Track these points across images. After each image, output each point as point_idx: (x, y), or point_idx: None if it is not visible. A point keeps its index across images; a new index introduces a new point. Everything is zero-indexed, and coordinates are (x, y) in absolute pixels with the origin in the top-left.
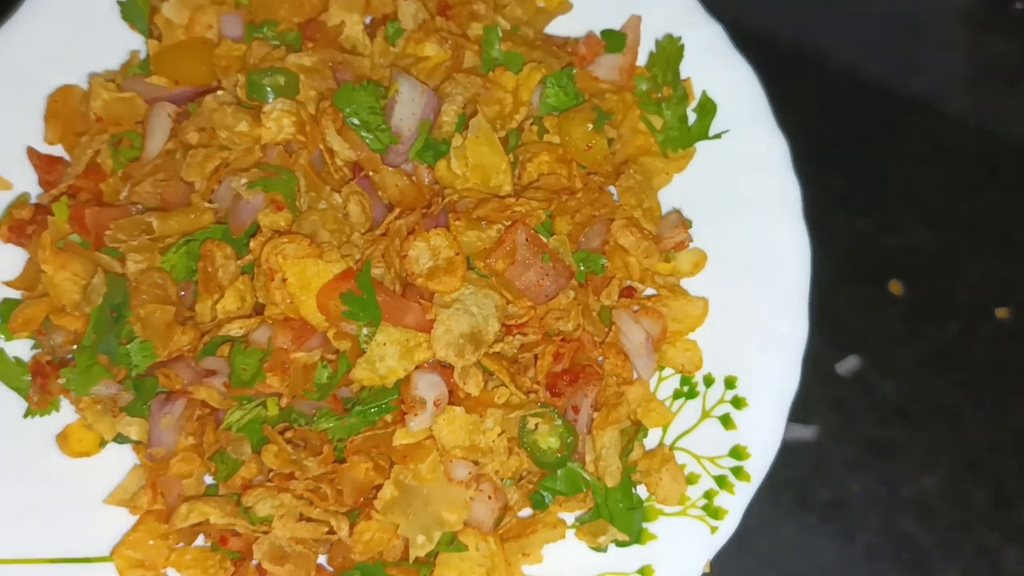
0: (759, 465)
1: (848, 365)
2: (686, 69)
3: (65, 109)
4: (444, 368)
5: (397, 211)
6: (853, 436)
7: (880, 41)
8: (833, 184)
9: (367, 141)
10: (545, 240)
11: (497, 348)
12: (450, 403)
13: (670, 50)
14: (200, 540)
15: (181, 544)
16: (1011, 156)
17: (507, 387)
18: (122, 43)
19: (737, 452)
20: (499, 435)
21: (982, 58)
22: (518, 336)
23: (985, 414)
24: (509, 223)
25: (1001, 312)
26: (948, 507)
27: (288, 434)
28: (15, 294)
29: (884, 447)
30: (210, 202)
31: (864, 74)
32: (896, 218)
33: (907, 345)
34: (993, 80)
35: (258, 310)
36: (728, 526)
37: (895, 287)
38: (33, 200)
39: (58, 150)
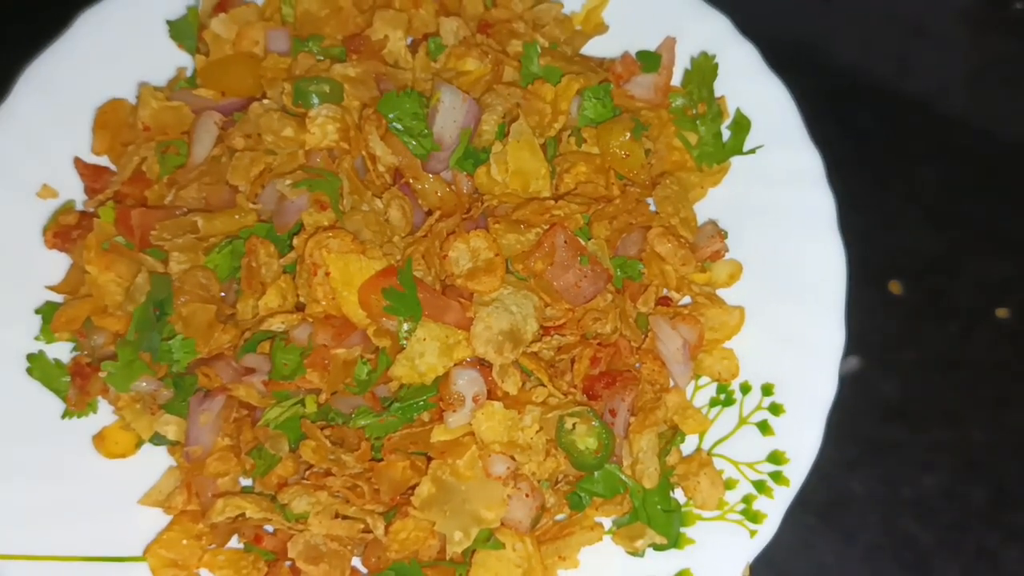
0: (798, 470)
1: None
2: (720, 87)
3: (114, 120)
4: (483, 366)
5: (438, 213)
6: (853, 436)
7: (880, 41)
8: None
9: (410, 147)
10: (583, 243)
11: (535, 348)
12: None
13: (705, 68)
14: (234, 541)
15: (214, 545)
16: (1011, 156)
17: (545, 387)
18: (169, 60)
19: (776, 457)
20: (537, 432)
21: (982, 58)
22: (556, 337)
23: (985, 414)
24: (548, 226)
25: (1001, 312)
26: (948, 507)
27: (326, 432)
28: (57, 298)
29: (884, 447)
30: (254, 204)
31: (864, 74)
32: (896, 218)
33: (907, 345)
34: (993, 80)
35: (299, 309)
36: (767, 530)
37: (895, 287)
38: (79, 208)
39: (104, 161)
